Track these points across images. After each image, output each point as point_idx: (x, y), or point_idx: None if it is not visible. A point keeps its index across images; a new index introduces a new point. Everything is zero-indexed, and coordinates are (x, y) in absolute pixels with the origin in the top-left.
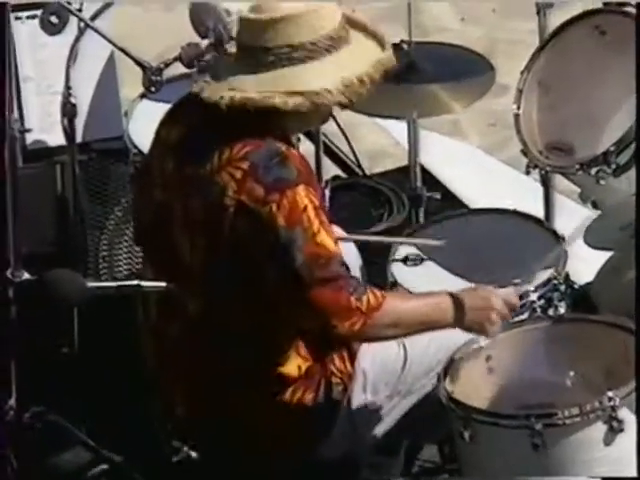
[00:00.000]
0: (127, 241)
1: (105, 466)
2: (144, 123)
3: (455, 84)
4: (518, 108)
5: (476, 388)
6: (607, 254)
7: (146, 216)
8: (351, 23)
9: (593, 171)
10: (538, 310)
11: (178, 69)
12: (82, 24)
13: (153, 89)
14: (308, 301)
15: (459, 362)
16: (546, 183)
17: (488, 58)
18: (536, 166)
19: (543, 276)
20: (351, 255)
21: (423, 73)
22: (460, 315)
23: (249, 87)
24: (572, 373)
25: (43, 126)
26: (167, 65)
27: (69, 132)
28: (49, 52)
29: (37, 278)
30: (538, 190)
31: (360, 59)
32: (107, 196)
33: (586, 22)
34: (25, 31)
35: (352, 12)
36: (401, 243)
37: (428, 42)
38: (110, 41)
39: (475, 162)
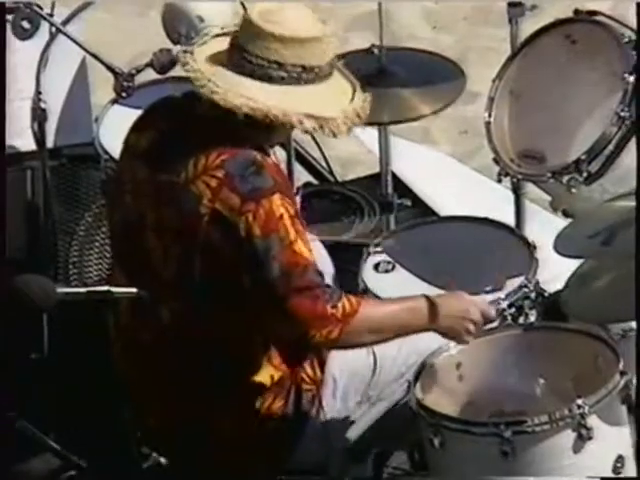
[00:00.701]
0: (97, 247)
1: (74, 472)
2: (115, 129)
3: (426, 89)
4: (489, 116)
5: (446, 395)
6: (578, 262)
7: (117, 222)
8: None
9: (565, 179)
10: (509, 318)
11: (150, 75)
12: (53, 29)
13: (124, 95)
14: (285, 310)
15: (430, 369)
16: (517, 191)
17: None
18: (507, 174)
19: (514, 284)
20: (324, 263)
21: (394, 78)
22: (436, 320)
23: (260, 99)
24: (542, 381)
25: (13, 131)
26: (139, 71)
27: (39, 137)
28: (20, 57)
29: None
30: (509, 198)
31: (348, 91)
32: (78, 201)
33: (557, 31)
34: None
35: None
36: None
37: (399, 47)
38: (82, 46)
39: (446, 170)
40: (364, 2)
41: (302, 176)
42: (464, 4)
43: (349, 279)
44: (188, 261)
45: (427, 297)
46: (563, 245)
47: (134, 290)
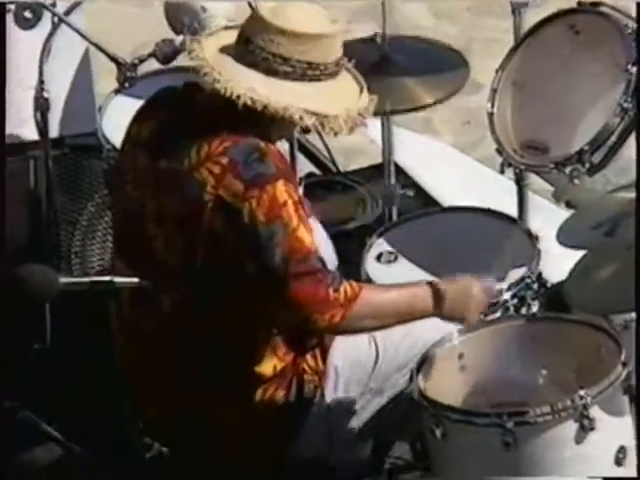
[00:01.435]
0: (100, 237)
1: (76, 462)
2: (117, 119)
3: (429, 77)
4: (492, 107)
5: (448, 386)
6: (580, 253)
7: (119, 211)
8: None
9: (567, 170)
10: (511, 309)
11: (152, 65)
12: (56, 19)
13: (127, 85)
14: (287, 296)
15: (432, 360)
16: (520, 182)
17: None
18: (510, 165)
19: (516, 275)
20: (328, 252)
21: (396, 66)
22: (439, 304)
23: (259, 89)
24: (544, 372)
25: (16, 121)
26: (141, 61)
27: (42, 127)
28: (22, 47)
29: (9, 273)
30: (512, 189)
31: (355, 91)
32: (80, 191)
33: (561, 21)
34: None
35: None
36: None
37: (401, 36)
38: (84, 36)
39: (449, 160)
40: None
41: (304, 166)
42: None
43: (351, 270)
44: (191, 249)
45: (429, 282)
46: (566, 236)
47: (136, 280)
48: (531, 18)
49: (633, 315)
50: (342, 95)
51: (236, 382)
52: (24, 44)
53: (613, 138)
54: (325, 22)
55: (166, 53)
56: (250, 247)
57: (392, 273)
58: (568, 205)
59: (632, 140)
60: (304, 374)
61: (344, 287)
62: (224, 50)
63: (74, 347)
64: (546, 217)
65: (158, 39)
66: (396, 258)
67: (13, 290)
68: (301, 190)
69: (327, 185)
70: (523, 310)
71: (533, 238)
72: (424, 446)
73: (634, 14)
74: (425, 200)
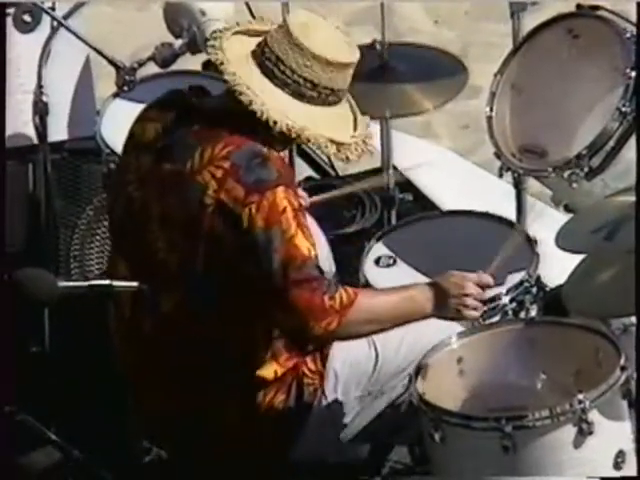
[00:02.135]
0: (99, 240)
1: (75, 465)
2: (116, 122)
3: (427, 84)
4: (491, 110)
5: (447, 390)
6: (579, 257)
7: (119, 213)
8: None
9: (566, 174)
10: (510, 313)
11: (152, 69)
12: (55, 23)
13: (126, 88)
14: (284, 303)
15: (430, 364)
16: (518, 186)
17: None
18: (509, 169)
19: (515, 279)
20: (324, 259)
21: (396, 73)
22: (435, 305)
23: (289, 113)
24: (543, 376)
25: (15, 124)
26: (141, 65)
27: (41, 131)
28: (21, 50)
29: (8, 277)
30: (511, 193)
31: (351, 115)
32: (79, 195)
33: (559, 25)
34: None
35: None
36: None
37: (401, 42)
38: (83, 40)
39: (448, 164)
40: None
41: (303, 170)
42: None
43: (350, 273)
44: (192, 251)
45: (423, 284)
46: (564, 240)
47: (135, 284)
48: (530, 22)
49: (632, 319)
50: (347, 119)
51: (236, 386)
52: (23, 48)
53: (611, 142)
54: (351, 49)
55: (165, 57)
56: (248, 252)
57: (391, 277)
58: (567, 209)
59: (632, 143)
60: (304, 377)
61: (340, 294)
62: (250, 60)
63: (72, 351)
64: (545, 221)
65: (157, 43)
66: (395, 262)
67: (12, 294)
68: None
69: (326, 189)
70: (522, 314)
71: (532, 242)
72: (423, 450)
73: (633, 17)
74: (424, 204)
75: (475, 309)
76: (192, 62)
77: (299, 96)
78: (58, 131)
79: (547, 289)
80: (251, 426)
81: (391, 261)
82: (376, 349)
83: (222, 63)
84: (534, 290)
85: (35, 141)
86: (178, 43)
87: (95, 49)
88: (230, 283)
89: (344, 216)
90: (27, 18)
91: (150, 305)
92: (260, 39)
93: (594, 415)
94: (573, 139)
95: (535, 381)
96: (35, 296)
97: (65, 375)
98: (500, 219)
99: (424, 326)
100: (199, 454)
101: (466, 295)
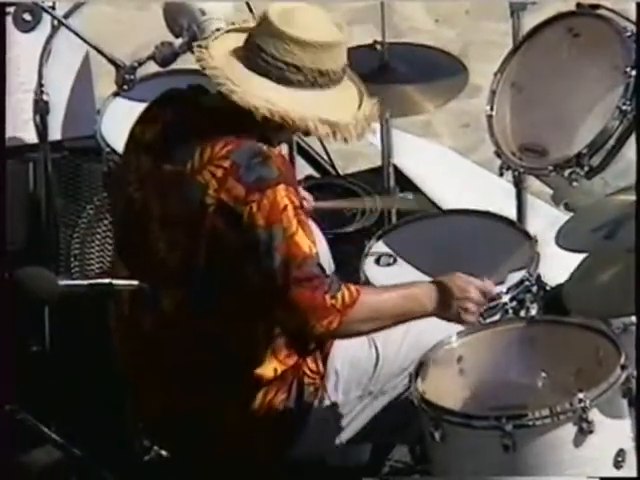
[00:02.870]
0: (99, 239)
1: (75, 464)
2: (116, 121)
3: (428, 84)
4: (491, 109)
5: (447, 389)
6: (579, 256)
7: (120, 213)
8: None
9: (566, 173)
10: (510, 312)
11: (151, 68)
12: (55, 22)
13: (126, 87)
14: (285, 301)
15: (431, 363)
16: (519, 185)
17: (461, 59)
18: (509, 167)
19: (515, 278)
20: (324, 259)
21: (396, 73)
22: (437, 304)
23: (274, 99)
24: (543, 375)
25: (15, 123)
26: (141, 64)
27: (41, 130)
28: (22, 49)
29: (8, 276)
30: (511, 191)
31: (356, 97)
32: (79, 194)
33: (560, 24)
34: None
35: None
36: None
37: (401, 43)
38: (83, 39)
39: (448, 163)
40: None
41: (304, 169)
42: None
43: (350, 273)
44: (193, 250)
45: (426, 283)
46: (565, 239)
47: (135, 282)
48: (530, 21)
49: (633, 318)
50: (348, 101)
51: (237, 384)
52: (23, 47)
53: (612, 141)
54: (333, 29)
55: (165, 56)
56: (249, 251)
57: (391, 276)
58: (567, 208)
59: (632, 141)
60: (304, 377)
61: (342, 292)
62: (233, 57)
63: (73, 349)
64: (545, 220)
65: (157, 42)
66: (395, 261)
67: (12, 292)
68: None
69: (326, 188)
70: (522, 313)
71: (532, 241)
72: (423, 449)
73: (633, 16)
74: (424, 203)
75: (474, 315)
76: (192, 61)
77: (285, 82)
78: (57, 130)
79: (547, 288)
80: (251, 425)
81: (391, 260)
82: (377, 349)
83: (201, 60)
84: (534, 289)
85: (35, 140)
86: (178, 42)
87: (95, 48)
88: (231, 282)
89: (344, 215)
90: (27, 17)
91: (151, 304)
92: None
93: (594, 414)
94: (573, 138)
95: (535, 380)
96: (35, 295)
97: (65, 374)
98: (500, 218)
99: (425, 325)
100: (199, 454)
101: (468, 299)
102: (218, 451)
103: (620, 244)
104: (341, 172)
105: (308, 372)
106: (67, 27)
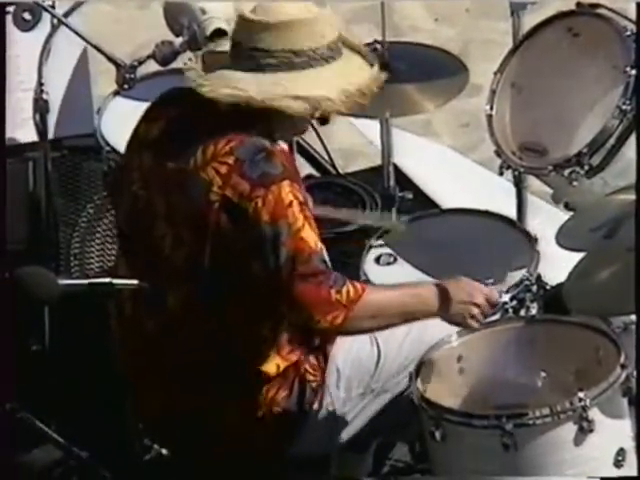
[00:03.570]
0: (99, 238)
1: (75, 464)
2: (116, 120)
3: (428, 84)
4: (491, 109)
5: (448, 388)
6: (579, 255)
7: (124, 211)
8: (341, 38)
9: (566, 172)
10: (510, 311)
11: (152, 67)
12: (55, 21)
13: (126, 86)
14: (290, 296)
15: (431, 362)
16: (519, 184)
17: (461, 58)
18: (509, 167)
19: (515, 277)
20: None
21: (396, 73)
22: (441, 306)
23: (248, 87)
24: (543, 374)
25: (15, 122)
26: (141, 63)
27: (41, 128)
28: (21, 48)
29: (8, 275)
30: (511, 191)
31: (356, 71)
32: (79, 193)
33: (559, 24)
34: None
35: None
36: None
37: (401, 42)
38: (84, 38)
39: (448, 162)
40: None
41: (304, 168)
42: None
43: (351, 272)
44: (198, 247)
45: (432, 283)
46: (565, 238)
47: (135, 281)
48: (530, 20)
49: (633, 317)
50: (340, 76)
51: (239, 383)
52: (23, 46)
53: (612, 140)
54: (304, 8)
55: (165, 55)
56: (255, 246)
57: (391, 275)
58: (567, 207)
59: (632, 141)
60: (306, 374)
61: (347, 288)
62: (218, 60)
63: (73, 349)
64: (545, 219)
65: (157, 41)
66: (395, 260)
67: (12, 292)
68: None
69: (326, 187)
70: (522, 312)
71: (532, 240)
72: (423, 448)
73: (633, 16)
74: (424, 202)
75: (478, 320)
76: None
77: (260, 68)
78: (55, 128)
79: (547, 287)
80: (252, 424)
81: (391, 259)
82: (378, 347)
83: (186, 70)
84: (534, 288)
85: (35, 139)
86: (178, 41)
87: (95, 47)
88: (237, 278)
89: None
90: (27, 16)
91: (154, 303)
92: None
93: (594, 413)
94: (573, 137)
95: (535, 379)
96: (35, 294)
97: (65, 373)
98: (500, 217)
99: (426, 324)
100: (199, 453)
101: (475, 305)
102: (218, 451)
103: (620, 243)
104: (341, 171)
105: (310, 369)
106: (67, 26)
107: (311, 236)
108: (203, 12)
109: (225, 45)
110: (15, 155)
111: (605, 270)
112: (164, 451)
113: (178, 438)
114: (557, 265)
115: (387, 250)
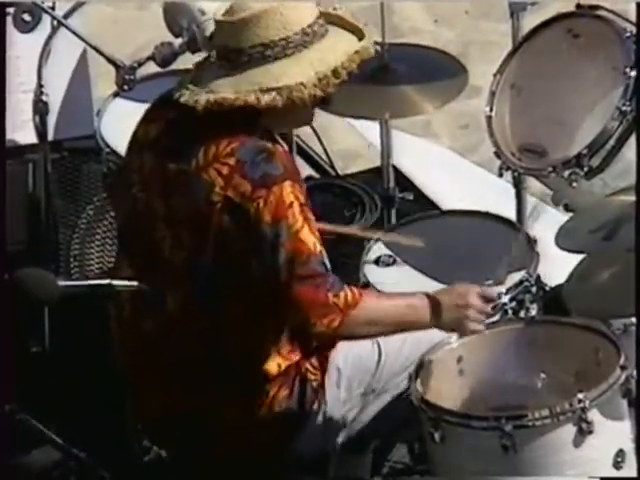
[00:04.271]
0: (99, 240)
1: (74, 465)
2: (116, 121)
3: (428, 85)
4: (491, 110)
5: (447, 389)
6: (579, 257)
7: (124, 213)
8: (328, 18)
9: (566, 174)
10: (510, 312)
11: (151, 68)
12: (55, 22)
13: (126, 88)
14: (288, 297)
15: (430, 363)
16: (518, 185)
17: (461, 60)
18: (509, 168)
19: (515, 278)
20: None
21: (396, 74)
22: (437, 315)
23: (226, 88)
24: (543, 375)
25: (15, 124)
26: (140, 64)
27: (41, 130)
28: (21, 50)
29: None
30: (510, 192)
31: (335, 52)
32: (79, 195)
33: (559, 25)
34: None
35: (333, 9)
36: (376, 239)
37: (401, 44)
38: (83, 39)
39: (448, 163)
40: None
41: (303, 169)
42: None
43: (350, 273)
44: (199, 248)
45: (424, 294)
46: (564, 239)
47: (135, 283)
48: (529, 22)
49: (633, 319)
50: (317, 60)
51: (240, 381)
52: (23, 47)
53: (611, 142)
54: (267, 3)
55: (165, 56)
56: (255, 247)
57: (391, 276)
58: (566, 208)
59: (631, 142)
60: (307, 373)
61: (344, 292)
62: (205, 67)
63: (72, 350)
64: (545, 220)
65: (157, 42)
66: (394, 261)
67: (12, 293)
68: None
69: (326, 188)
70: (522, 313)
71: (532, 241)
72: (423, 449)
73: (633, 17)
74: (423, 203)
75: (477, 322)
76: (192, 61)
77: (234, 68)
78: (55, 130)
79: (547, 288)
80: (253, 423)
81: (391, 260)
82: (379, 347)
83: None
84: (534, 289)
85: (35, 140)
86: (178, 42)
87: (95, 48)
88: (237, 278)
89: (344, 215)
90: (27, 17)
91: (153, 304)
92: None
93: (594, 414)
94: (573, 138)
95: (535, 380)
96: (35, 295)
97: (65, 374)
98: (500, 218)
99: (425, 329)
100: (199, 454)
101: (469, 306)
102: (218, 451)
103: (619, 244)
104: (340, 172)
105: (310, 368)
106: (67, 27)
107: (310, 238)
108: (202, 13)
109: None
110: (15, 157)
111: (605, 271)
112: (163, 453)
113: (178, 438)
114: (557, 266)
115: (386, 251)
